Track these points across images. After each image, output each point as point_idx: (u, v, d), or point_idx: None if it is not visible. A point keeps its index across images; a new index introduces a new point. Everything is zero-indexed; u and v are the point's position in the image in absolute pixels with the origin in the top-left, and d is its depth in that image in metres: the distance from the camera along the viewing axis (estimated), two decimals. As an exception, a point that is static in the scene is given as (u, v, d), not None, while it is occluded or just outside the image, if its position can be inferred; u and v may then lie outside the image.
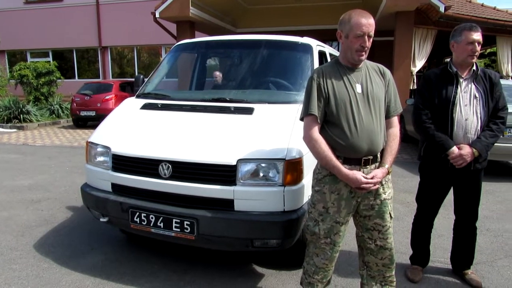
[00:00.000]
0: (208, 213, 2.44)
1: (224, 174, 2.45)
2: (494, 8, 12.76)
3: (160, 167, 2.55)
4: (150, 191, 2.60)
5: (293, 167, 2.44)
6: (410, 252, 2.98)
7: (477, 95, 2.52)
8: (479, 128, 2.51)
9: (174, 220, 2.50)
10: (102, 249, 3.28)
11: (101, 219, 2.84)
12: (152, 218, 2.55)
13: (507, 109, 2.59)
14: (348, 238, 3.06)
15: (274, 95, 3.16)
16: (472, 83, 2.54)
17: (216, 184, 2.45)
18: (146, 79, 3.74)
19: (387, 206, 2.14)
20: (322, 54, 3.62)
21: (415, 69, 10.76)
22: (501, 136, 5.45)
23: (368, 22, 1.98)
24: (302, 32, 4.81)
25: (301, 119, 2.14)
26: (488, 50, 18.51)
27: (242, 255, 3.12)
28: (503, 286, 2.78)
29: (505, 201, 4.76)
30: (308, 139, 2.06)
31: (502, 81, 7.22)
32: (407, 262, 2.99)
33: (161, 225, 2.53)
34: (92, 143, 2.95)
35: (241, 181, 2.43)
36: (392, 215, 2.19)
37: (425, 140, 2.64)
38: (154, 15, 11.12)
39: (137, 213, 2.59)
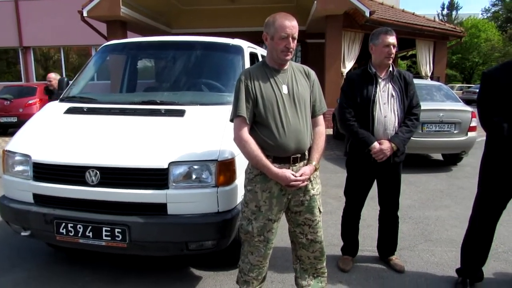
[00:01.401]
0: (140, 219, 2.37)
1: (155, 178, 2.40)
2: (413, 14, 13.85)
3: (87, 174, 2.43)
4: (77, 200, 2.46)
5: (225, 168, 2.46)
6: (342, 243, 3.14)
7: (394, 94, 2.72)
8: (396, 124, 2.71)
9: (104, 229, 2.39)
10: (25, 266, 3.04)
11: (23, 233, 2.63)
12: (79, 228, 2.42)
13: (420, 106, 2.83)
14: (284, 235, 3.15)
15: (206, 96, 3.16)
16: (390, 83, 2.75)
17: (147, 189, 2.39)
18: (71, 82, 3.54)
19: (316, 201, 2.24)
20: (253, 56, 3.69)
21: (345, 70, 11.34)
22: (420, 131, 5.98)
23: (291, 24, 2.05)
24: (237, 34, 4.86)
25: (231, 120, 2.16)
26: (410, 52, 20.00)
27: (178, 259, 3.08)
28: (423, 268, 3.03)
29: (425, 190, 5.20)
30: (238, 140, 2.10)
31: (422, 81, 7.90)
32: (339, 254, 3.14)
33: (90, 234, 2.41)
34: (9, 151, 2.73)
35: (174, 184, 2.39)
36: (321, 210, 2.30)
37: (349, 137, 2.80)
38: (82, 14, 10.54)
39: (63, 224, 2.44)
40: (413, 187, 5.34)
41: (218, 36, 3.79)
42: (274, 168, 2.05)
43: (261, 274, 2.29)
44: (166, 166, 2.38)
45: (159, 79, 3.98)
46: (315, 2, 10.19)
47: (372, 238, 3.37)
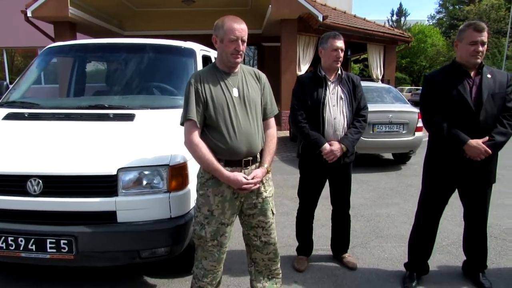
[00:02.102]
0: (87, 228, 2.27)
1: (103, 185, 2.30)
2: (364, 19, 14.40)
3: (29, 183, 2.29)
4: (17, 211, 2.31)
5: (178, 173, 2.41)
6: (297, 244, 3.18)
7: (342, 96, 2.81)
8: (345, 126, 2.80)
9: (48, 241, 2.26)
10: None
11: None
12: (21, 241, 2.27)
13: (367, 108, 2.93)
14: (241, 238, 3.15)
15: (157, 100, 3.10)
16: (338, 86, 2.83)
17: (95, 197, 2.29)
18: (11, 86, 3.34)
19: (268, 203, 2.25)
20: (206, 59, 3.67)
21: (300, 73, 11.56)
22: (371, 132, 6.22)
23: (240, 27, 2.06)
24: (192, 37, 4.83)
25: (182, 124, 2.13)
26: (362, 56, 20.78)
27: (131, 268, 2.98)
28: (374, 264, 3.14)
29: (377, 189, 5.41)
30: (189, 144, 2.07)
31: (373, 84, 8.21)
32: (295, 254, 3.19)
33: (33, 247, 2.27)
34: None
35: (123, 191, 2.32)
36: (274, 212, 2.32)
37: (301, 138, 2.85)
38: (25, 14, 9.98)
39: (3, 238, 2.28)
40: (365, 186, 5.54)
41: (173, 39, 3.74)
42: (225, 171, 2.04)
43: (216, 279, 2.27)
44: (114, 173, 2.29)
45: (109, 82, 3.86)
46: (270, 6, 10.32)
47: (326, 237, 3.45)
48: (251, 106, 2.13)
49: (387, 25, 20.93)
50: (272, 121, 2.30)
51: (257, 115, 2.16)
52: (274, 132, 2.28)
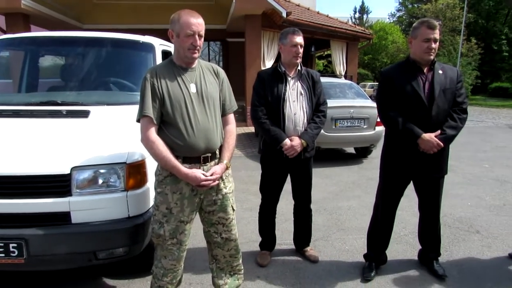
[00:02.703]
0: (39, 230, 2.16)
1: (56, 185, 2.20)
2: (327, 16, 14.64)
3: (-27, 184, 2.15)
4: (-39, 215, 2.17)
5: (135, 170, 2.35)
6: (260, 239, 3.20)
7: (302, 92, 2.83)
8: (305, 121, 2.82)
9: (-4, 245, 2.14)
10: None
11: None
12: (-34, 246, 2.14)
13: (327, 103, 2.98)
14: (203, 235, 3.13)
15: (114, 96, 3.00)
16: (298, 81, 2.85)
17: (47, 197, 2.18)
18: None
19: (228, 200, 2.24)
20: (166, 54, 3.58)
21: (265, 68, 11.60)
22: (333, 127, 6.34)
23: (197, 22, 2.02)
24: (154, 31, 4.70)
25: (138, 120, 2.07)
26: (326, 52, 21.11)
27: (88, 269, 2.88)
28: (335, 256, 3.21)
29: (339, 182, 5.53)
30: (146, 141, 2.02)
31: (335, 79, 8.37)
32: (258, 249, 3.20)
33: (-21, 252, 2.15)
34: None
35: (78, 191, 2.22)
36: (235, 208, 2.31)
37: (262, 134, 2.86)
38: (-26, 5, 9.39)
39: None
40: (328, 180, 5.65)
41: (134, 33, 3.63)
42: (183, 168, 2.01)
43: (176, 278, 2.23)
44: (68, 172, 2.20)
45: (64, 78, 3.68)
46: (234, 1, 10.26)
47: (289, 232, 3.48)
48: (209, 102, 2.10)
49: (350, 22, 21.39)
50: (231, 117, 2.28)
51: (216, 111, 2.14)
52: (233, 128, 2.26)
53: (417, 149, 2.59)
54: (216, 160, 2.16)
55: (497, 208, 4.42)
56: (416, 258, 3.11)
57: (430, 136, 2.53)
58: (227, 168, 2.19)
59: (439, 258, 2.97)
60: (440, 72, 2.63)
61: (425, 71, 2.63)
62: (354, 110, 6.42)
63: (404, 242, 3.46)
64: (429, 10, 28.97)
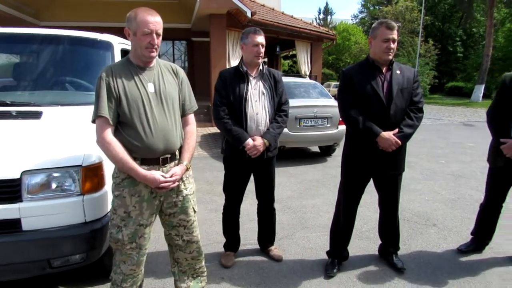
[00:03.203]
0: (-13, 239, 2.04)
1: (5, 191, 2.08)
2: (292, 17, 14.80)
3: None
4: None
5: (92, 173, 2.26)
6: (225, 240, 3.18)
7: (264, 92, 2.83)
8: (268, 121, 2.83)
9: None
10: None
11: None
12: None
13: (289, 103, 2.99)
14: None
15: (69, 96, 2.88)
16: (260, 81, 2.85)
17: (-5, 204, 2.07)
18: None
19: (189, 201, 2.21)
20: (126, 52, 3.47)
21: (226, 68, 11.57)
22: (297, 127, 6.40)
23: (155, 20, 1.97)
24: (115, 29, 4.55)
25: (93, 121, 2.00)
26: (291, 52, 21.35)
27: (44, 279, 2.75)
28: (299, 254, 3.25)
29: (304, 181, 5.59)
30: (101, 143, 1.95)
31: (300, 79, 8.47)
32: (223, 250, 3.17)
33: None
34: None
35: (29, 196, 2.12)
36: (196, 209, 2.28)
37: (224, 134, 2.83)
38: None
39: None
40: (293, 178, 5.70)
41: (94, 31, 3.50)
42: (141, 170, 1.96)
43: (136, 283, 2.17)
44: (17, 176, 2.08)
45: (17, 77, 3.49)
46: (198, 0, 10.15)
47: (254, 232, 3.48)
48: (168, 102, 2.06)
49: (314, 23, 21.74)
50: (191, 117, 2.25)
51: (175, 111, 2.10)
52: (193, 129, 2.23)
53: (376, 147, 2.65)
54: (176, 161, 2.12)
55: (452, 201, 4.63)
56: (376, 253, 3.20)
57: (388, 135, 2.60)
58: (187, 169, 2.15)
59: (398, 252, 3.07)
60: (398, 72, 2.71)
61: (383, 71, 2.69)
62: (318, 110, 6.52)
63: (365, 238, 3.55)
64: (389, 12, 29.95)
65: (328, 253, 3.05)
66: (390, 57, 2.66)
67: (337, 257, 2.98)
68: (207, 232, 3.66)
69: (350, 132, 2.84)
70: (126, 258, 2.08)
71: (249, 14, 10.59)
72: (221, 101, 2.78)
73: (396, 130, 2.64)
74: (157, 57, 2.12)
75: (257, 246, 3.28)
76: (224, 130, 2.78)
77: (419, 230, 3.76)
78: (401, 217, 3.08)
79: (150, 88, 2.03)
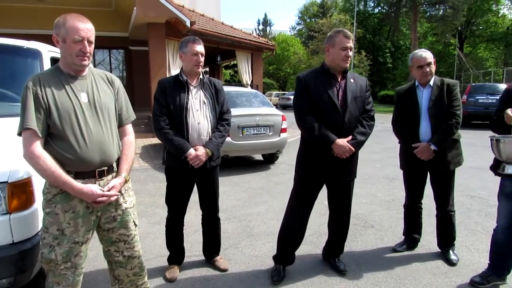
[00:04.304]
0: None
1: None
2: (232, 27, 14.96)
3: None
4: None
5: (20, 190, 2.09)
6: (169, 253, 3.08)
7: (205, 101, 2.82)
8: (210, 130, 2.81)
9: None
10: None
11: None
12: None
13: (230, 112, 3.00)
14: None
15: (-8, 107, 2.65)
16: (201, 90, 2.83)
17: None
18: None
19: (129, 215, 2.12)
20: (56, 61, 3.28)
21: (166, 77, 11.38)
22: (240, 135, 6.44)
23: (86, 27, 1.89)
24: (46, 37, 4.28)
25: (19, 134, 1.85)
26: (232, 62, 21.55)
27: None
28: (245, 262, 3.24)
29: (248, 189, 5.63)
30: (29, 156, 1.81)
31: (242, 89, 8.55)
32: (166, 264, 3.08)
33: None
34: None
35: None
36: (137, 223, 2.19)
37: (165, 144, 2.77)
38: None
39: None
40: (237, 187, 5.71)
41: (22, 38, 3.26)
42: (77, 183, 1.84)
43: (72, 306, 2.03)
44: None
45: None
46: (135, 8, 9.91)
47: (199, 243, 3.42)
48: (103, 112, 1.97)
49: (254, 33, 22.14)
50: (129, 127, 2.17)
51: (111, 121, 2.01)
52: (131, 139, 2.15)
53: (330, 153, 2.71)
54: (114, 174, 2.03)
55: (387, 203, 4.92)
56: (320, 256, 3.29)
57: (343, 142, 2.68)
58: (126, 182, 2.07)
59: (340, 254, 3.18)
60: (352, 80, 2.81)
61: (339, 79, 2.78)
62: (260, 118, 6.62)
63: (309, 242, 3.63)
64: (324, 25, 31.45)
65: (274, 258, 3.07)
66: (347, 65, 2.77)
67: (284, 261, 3.01)
68: (150, 246, 3.53)
69: (305, 138, 2.88)
70: (61, 279, 1.94)
71: (188, 24, 10.54)
72: (160, 110, 2.72)
73: (350, 137, 2.73)
74: (90, 65, 2.03)
75: (202, 258, 3.23)
76: (165, 141, 2.72)
77: (359, 232, 3.94)
78: (342, 220, 3.20)
79: (83, 98, 1.93)
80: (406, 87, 3.32)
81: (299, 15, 52.31)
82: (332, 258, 3.14)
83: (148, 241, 3.63)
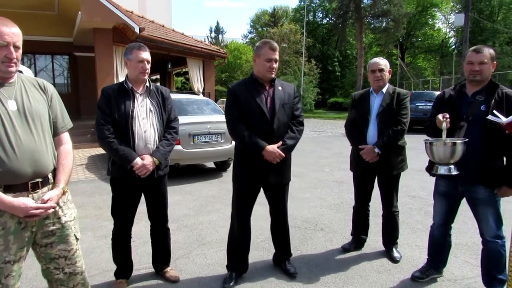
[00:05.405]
0: None
1: None
2: (183, 34, 14.82)
3: None
4: None
5: None
6: (115, 267, 2.96)
7: (152, 109, 2.76)
8: (157, 138, 2.75)
9: None
10: None
11: None
12: None
13: (178, 120, 2.96)
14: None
15: None
16: (147, 98, 2.77)
17: None
18: None
19: (70, 228, 2.01)
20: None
21: (110, 84, 11.01)
22: (191, 143, 6.36)
23: (11, 31, 1.78)
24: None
25: None
26: (184, 70, 21.32)
27: None
28: (197, 272, 3.19)
29: (200, 197, 5.56)
30: None
31: (193, 96, 8.47)
32: (114, 279, 2.95)
33: None
34: None
35: None
36: (78, 237, 2.08)
37: (110, 154, 2.67)
38: None
39: None
40: (189, 196, 5.62)
41: None
42: (7, 197, 1.72)
43: (5, 331, 1.88)
44: None
45: None
46: (80, 12, 9.52)
47: (148, 255, 3.32)
48: (35, 121, 1.85)
49: (206, 41, 22.09)
50: (65, 136, 2.06)
51: (44, 130, 1.90)
52: (68, 148, 2.04)
53: (263, 159, 2.78)
54: (50, 186, 1.92)
55: (336, 206, 5.07)
56: (271, 261, 3.32)
57: (273, 148, 2.75)
58: (64, 193, 1.96)
59: (290, 257, 3.23)
60: (280, 88, 2.90)
61: (267, 87, 2.86)
62: (211, 126, 6.59)
63: (261, 248, 3.65)
64: (276, 34, 32.04)
65: (227, 266, 3.05)
66: (273, 75, 2.85)
67: (236, 269, 3.00)
68: (96, 261, 3.37)
69: (238, 148, 2.93)
70: (-9, 303, 1.79)
71: (137, 30, 10.30)
72: (104, 119, 2.62)
73: (280, 143, 2.81)
74: (21, 72, 1.91)
75: (152, 270, 3.13)
76: (110, 150, 2.62)
77: (309, 235, 4.02)
78: (292, 224, 3.26)
79: (11, 105, 1.81)
80: (362, 92, 3.51)
81: (251, 24, 52.98)
82: (283, 262, 3.18)
83: (94, 256, 3.47)
